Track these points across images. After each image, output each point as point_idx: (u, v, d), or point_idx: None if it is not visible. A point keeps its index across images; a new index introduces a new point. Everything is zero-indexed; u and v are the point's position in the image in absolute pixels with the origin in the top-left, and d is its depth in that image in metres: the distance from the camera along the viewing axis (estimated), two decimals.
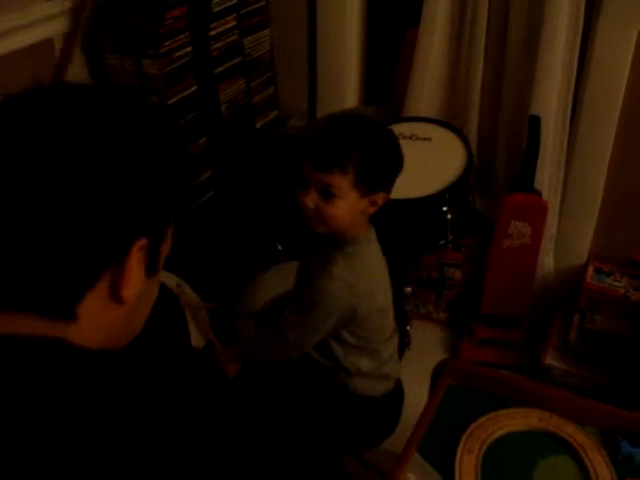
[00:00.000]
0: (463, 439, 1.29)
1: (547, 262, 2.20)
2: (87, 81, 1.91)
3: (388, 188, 1.35)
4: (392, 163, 1.34)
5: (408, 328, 1.94)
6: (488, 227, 2.10)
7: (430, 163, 1.72)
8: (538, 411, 1.35)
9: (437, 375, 1.47)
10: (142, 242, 0.66)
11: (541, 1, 1.88)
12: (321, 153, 1.28)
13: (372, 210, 1.35)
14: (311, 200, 1.29)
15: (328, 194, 1.28)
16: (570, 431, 1.31)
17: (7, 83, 1.73)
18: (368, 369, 1.45)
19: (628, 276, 2.09)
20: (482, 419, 1.34)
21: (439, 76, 2.14)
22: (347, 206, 1.29)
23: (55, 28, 1.76)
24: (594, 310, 2.06)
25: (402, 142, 1.81)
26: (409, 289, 2.13)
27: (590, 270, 2.12)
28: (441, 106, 2.19)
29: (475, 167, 2.22)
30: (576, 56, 1.93)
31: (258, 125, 2.21)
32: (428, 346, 2.25)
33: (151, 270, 0.69)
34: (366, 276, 1.34)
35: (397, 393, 1.51)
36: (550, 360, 2.00)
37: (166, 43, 1.74)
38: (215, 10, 1.87)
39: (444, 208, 1.73)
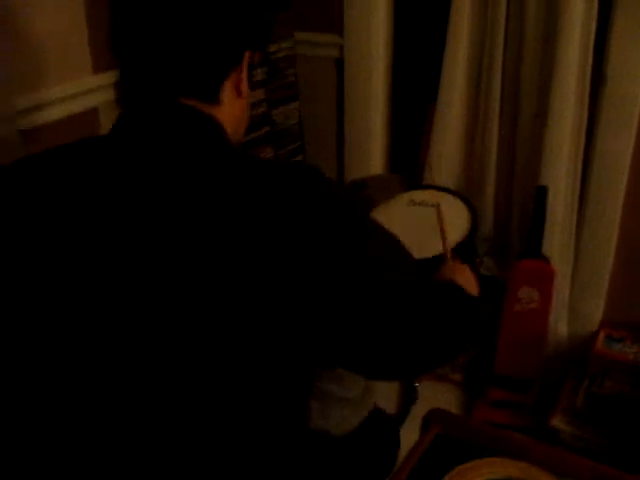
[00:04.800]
0: None
1: (560, 328, 2.26)
2: None
3: None
4: None
5: (416, 385, 2.02)
6: (503, 291, 2.18)
7: (434, 228, 1.84)
8: (518, 462, 1.41)
9: (427, 423, 1.55)
10: (248, 54, 0.99)
11: (549, 74, 2.01)
12: None
13: None
14: None
15: None
16: None
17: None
18: None
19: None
20: (461, 467, 1.40)
21: (456, 147, 2.27)
22: None
23: (101, 98, 1.97)
24: (604, 375, 2.10)
25: (412, 208, 1.96)
26: None
27: (601, 336, 2.17)
28: (459, 176, 2.31)
29: (492, 235, 2.33)
30: (584, 128, 2.04)
31: None
32: (442, 406, 2.30)
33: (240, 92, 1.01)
34: None
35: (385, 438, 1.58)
36: (557, 422, 2.04)
37: None
38: None
39: None
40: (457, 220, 1.90)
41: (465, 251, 1.90)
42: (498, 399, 2.23)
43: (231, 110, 0.99)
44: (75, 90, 1.87)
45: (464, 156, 2.29)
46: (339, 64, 2.36)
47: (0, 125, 1.62)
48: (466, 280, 1.40)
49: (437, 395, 2.32)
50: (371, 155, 2.47)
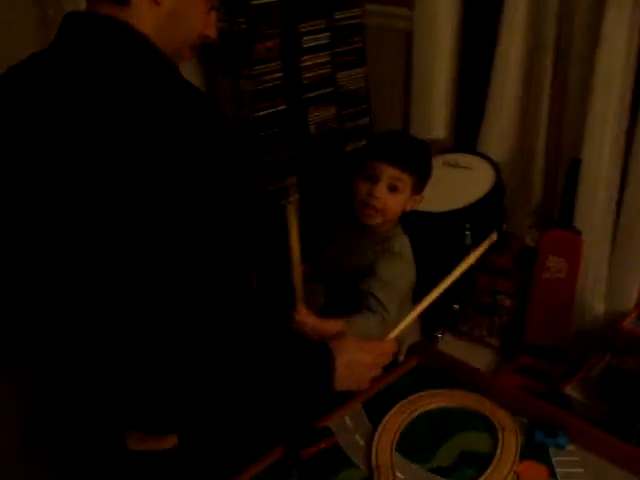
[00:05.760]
0: (400, 403, 1.48)
1: (597, 304, 2.29)
2: None
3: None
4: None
5: (439, 335, 2.14)
6: None
7: (459, 187, 1.97)
8: (480, 397, 1.50)
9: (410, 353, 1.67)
10: None
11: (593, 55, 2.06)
12: (401, 153, 1.60)
13: (410, 209, 1.65)
14: (382, 192, 1.59)
15: (394, 188, 1.58)
16: (499, 415, 1.45)
17: None
18: None
19: None
20: (424, 392, 1.51)
21: (509, 120, 2.35)
22: (404, 201, 1.61)
23: None
24: (627, 353, 2.12)
25: (444, 168, 2.09)
26: (456, 306, 2.32)
27: (633, 315, 2.18)
28: (511, 147, 2.39)
29: (540, 206, 2.40)
30: (628, 103, 2.07)
31: (348, 149, 2.54)
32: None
33: None
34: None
35: None
36: (570, 390, 2.09)
37: (257, 67, 2.14)
38: (306, 46, 2.25)
39: (467, 225, 1.95)
40: (482, 183, 2.02)
41: (489, 209, 2.01)
42: (525, 365, 2.31)
43: (151, 16, 0.97)
44: None
45: (516, 129, 2.37)
46: (408, 36, 2.50)
47: None
48: (347, 371, 1.22)
49: (470, 356, 2.40)
50: (436, 122, 2.58)
